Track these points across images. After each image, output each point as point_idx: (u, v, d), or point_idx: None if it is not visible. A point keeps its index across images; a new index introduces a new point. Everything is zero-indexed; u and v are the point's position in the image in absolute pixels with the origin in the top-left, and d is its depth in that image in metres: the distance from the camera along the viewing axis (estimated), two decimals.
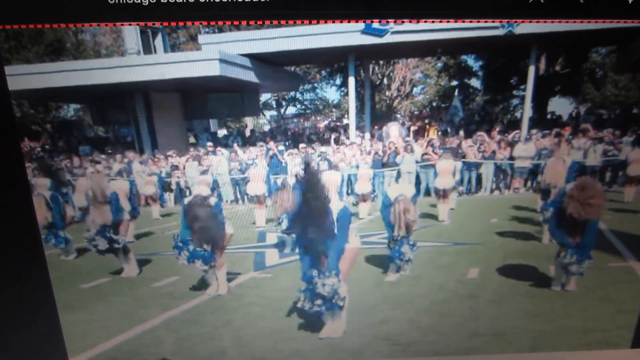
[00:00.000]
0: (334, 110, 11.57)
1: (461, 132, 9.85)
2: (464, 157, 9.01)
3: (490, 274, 5.46)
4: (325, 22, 3.13)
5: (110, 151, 9.64)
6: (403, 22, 3.38)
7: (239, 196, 9.34)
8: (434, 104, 11.41)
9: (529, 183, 9.32)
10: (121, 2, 2.90)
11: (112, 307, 5.11)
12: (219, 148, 9.66)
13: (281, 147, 9.13)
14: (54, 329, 3.86)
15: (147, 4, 2.91)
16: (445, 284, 5.27)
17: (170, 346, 4.25)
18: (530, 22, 3.40)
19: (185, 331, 4.48)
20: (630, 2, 2.95)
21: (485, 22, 3.37)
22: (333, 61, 10.78)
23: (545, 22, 3.25)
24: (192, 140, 10.68)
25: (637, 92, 10.23)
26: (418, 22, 3.23)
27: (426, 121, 11.07)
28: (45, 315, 3.80)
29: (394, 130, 9.29)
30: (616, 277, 5.00)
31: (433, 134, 10.64)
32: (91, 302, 5.20)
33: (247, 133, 11.10)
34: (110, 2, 2.90)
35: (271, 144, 9.25)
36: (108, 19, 3.00)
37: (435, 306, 4.73)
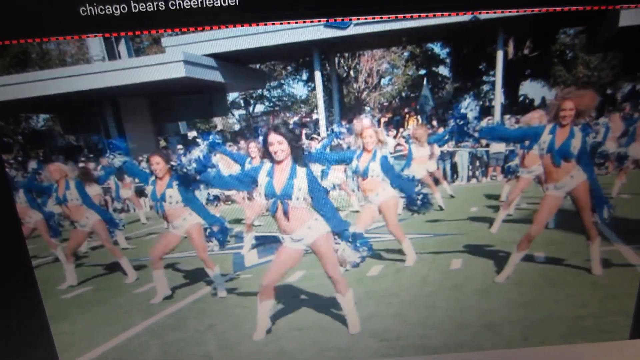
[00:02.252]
0: (302, 105, 11.51)
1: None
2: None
3: (474, 264, 5.49)
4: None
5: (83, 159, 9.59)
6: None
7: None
8: (403, 94, 11.36)
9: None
10: (93, 13, 2.92)
11: (94, 316, 5.11)
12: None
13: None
14: (45, 339, 3.93)
15: (118, 14, 2.92)
16: (428, 276, 5.27)
17: (156, 352, 4.24)
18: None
19: (170, 336, 4.45)
20: None
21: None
22: (298, 56, 10.74)
23: (525, 11, 3.26)
24: (163, 143, 10.63)
25: (609, 72, 10.22)
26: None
27: (405, 110, 11.03)
28: (35, 326, 3.90)
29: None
30: (604, 261, 4.94)
31: (412, 123, 10.58)
32: (73, 313, 5.20)
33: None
34: (82, 14, 2.90)
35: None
36: (81, 31, 3.05)
37: (421, 299, 4.72)
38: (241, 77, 10.29)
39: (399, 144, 9.13)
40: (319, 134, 9.80)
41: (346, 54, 10.91)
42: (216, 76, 9.25)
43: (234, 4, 2.98)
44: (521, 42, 10.35)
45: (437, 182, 8.14)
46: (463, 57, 10.94)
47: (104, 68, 8.61)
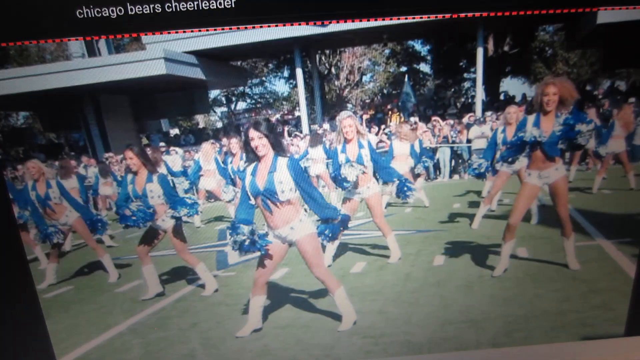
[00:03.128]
0: (284, 103, 11.50)
1: (413, 118, 9.82)
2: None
3: (457, 260, 5.50)
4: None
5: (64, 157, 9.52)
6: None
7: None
8: (385, 91, 11.37)
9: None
10: (90, 16, 2.92)
11: (75, 315, 5.05)
12: (172, 147, 9.57)
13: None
14: (41, 336, 3.89)
15: (115, 16, 2.93)
16: (411, 272, 5.27)
17: (139, 351, 4.20)
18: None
19: (152, 335, 4.42)
20: None
21: None
22: (279, 53, 10.73)
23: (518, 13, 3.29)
24: (145, 141, 10.57)
25: (588, 69, 10.31)
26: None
27: (388, 107, 11.03)
28: (31, 325, 3.88)
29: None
30: (585, 256, 4.99)
31: (395, 120, 10.58)
32: (54, 312, 5.12)
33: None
34: (79, 17, 2.90)
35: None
36: (77, 34, 3.03)
37: (404, 296, 4.73)
38: (222, 74, 10.27)
39: (381, 141, 9.15)
40: (301, 131, 9.80)
41: (327, 51, 10.90)
42: (197, 73, 9.22)
43: (229, 6, 2.99)
44: (501, 39, 10.41)
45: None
46: (444, 54, 10.99)
47: (84, 65, 8.54)
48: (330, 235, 4.16)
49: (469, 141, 9.34)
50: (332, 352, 3.92)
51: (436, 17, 3.34)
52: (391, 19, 3.22)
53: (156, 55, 8.42)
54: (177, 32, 3.11)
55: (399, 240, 5.96)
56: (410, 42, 10.93)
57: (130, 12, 2.96)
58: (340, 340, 4.05)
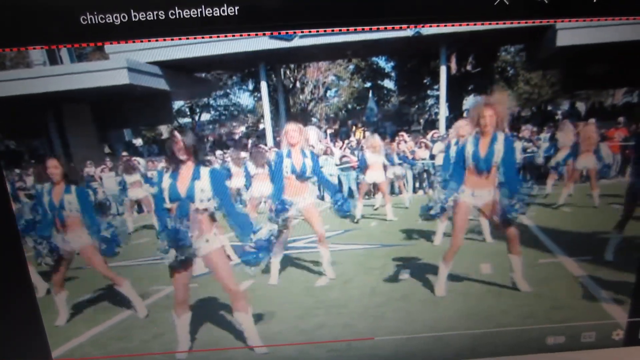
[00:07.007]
0: (249, 115, 11.46)
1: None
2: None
3: (422, 275, 5.52)
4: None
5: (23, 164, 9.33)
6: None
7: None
8: (349, 106, 11.42)
9: None
10: (93, 22, 2.99)
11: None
12: (134, 157, 9.47)
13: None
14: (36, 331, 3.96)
15: (119, 23, 3.01)
16: (377, 287, 5.29)
17: None
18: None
19: (114, 347, 4.38)
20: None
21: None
22: (244, 66, 10.71)
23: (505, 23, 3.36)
24: (107, 150, 10.42)
25: (549, 90, 10.50)
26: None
27: (350, 122, 11.07)
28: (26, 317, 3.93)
29: (312, 134, 9.26)
30: (547, 273, 5.11)
31: (359, 135, 10.62)
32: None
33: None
34: (83, 23, 2.97)
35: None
36: (81, 40, 3.13)
37: (370, 310, 4.75)
38: (186, 85, 10.20)
39: (344, 156, 9.18)
40: (265, 144, 9.78)
41: (292, 65, 10.91)
42: (161, 84, 9.16)
43: (232, 13, 3.07)
44: (464, 58, 10.54)
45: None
46: (408, 71, 11.07)
47: (45, 73, 8.40)
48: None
49: (432, 157, 9.43)
50: None
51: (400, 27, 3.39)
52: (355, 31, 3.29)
53: (119, 65, 8.35)
54: (175, 40, 3.16)
55: (364, 254, 5.99)
56: (375, 59, 11.01)
57: (134, 19, 3.04)
58: (305, 353, 4.05)
